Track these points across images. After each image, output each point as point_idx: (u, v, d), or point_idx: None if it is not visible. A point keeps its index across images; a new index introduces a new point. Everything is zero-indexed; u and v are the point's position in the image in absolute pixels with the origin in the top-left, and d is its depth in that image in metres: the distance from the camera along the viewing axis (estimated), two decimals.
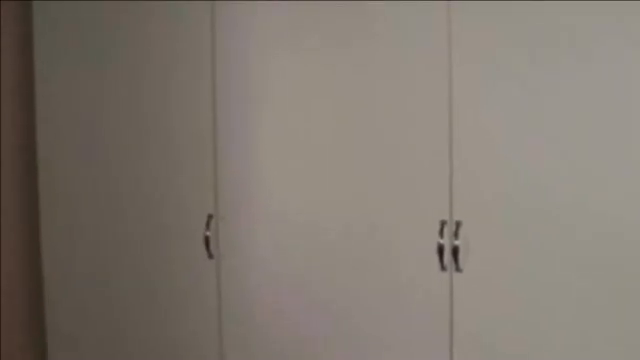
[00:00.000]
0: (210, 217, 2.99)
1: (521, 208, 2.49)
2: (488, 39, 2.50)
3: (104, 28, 3.12)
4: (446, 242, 2.58)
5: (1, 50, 3.29)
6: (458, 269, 2.57)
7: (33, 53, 3.25)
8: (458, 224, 2.56)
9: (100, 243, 3.22)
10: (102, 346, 3.25)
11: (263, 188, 2.92)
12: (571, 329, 2.43)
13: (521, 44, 2.46)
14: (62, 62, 3.20)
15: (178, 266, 3.08)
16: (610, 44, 2.34)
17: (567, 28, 2.40)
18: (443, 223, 2.58)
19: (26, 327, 3.41)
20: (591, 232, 2.39)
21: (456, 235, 2.56)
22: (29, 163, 3.36)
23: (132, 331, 3.20)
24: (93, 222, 3.21)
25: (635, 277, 2.34)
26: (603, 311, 2.38)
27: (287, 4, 2.81)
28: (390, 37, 2.65)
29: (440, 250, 2.58)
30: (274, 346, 2.92)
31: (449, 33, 2.56)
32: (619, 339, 2.36)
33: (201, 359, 3.07)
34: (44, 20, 3.20)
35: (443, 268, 2.58)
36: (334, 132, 2.78)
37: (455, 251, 2.56)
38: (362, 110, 2.73)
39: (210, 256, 2.99)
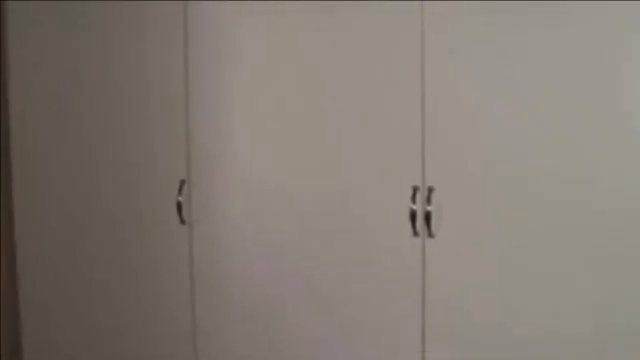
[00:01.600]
0: (182, 183, 2.98)
1: (493, 174, 2.49)
2: (459, 6, 2.48)
3: None
4: (418, 208, 2.58)
5: None
6: (430, 235, 2.57)
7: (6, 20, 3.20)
8: (430, 190, 2.56)
9: (72, 208, 3.20)
10: (74, 312, 3.25)
11: (235, 154, 2.91)
12: (542, 294, 2.44)
13: (491, 11, 2.43)
14: (34, 27, 3.16)
15: (150, 232, 3.07)
16: (579, 8, 2.33)
17: None
18: (415, 189, 2.58)
19: None
20: (562, 198, 2.40)
21: (428, 201, 2.56)
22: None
23: (104, 296, 3.19)
24: (65, 187, 3.19)
25: (605, 243, 2.34)
26: (574, 277, 2.40)
27: None
28: (363, 4, 2.62)
29: (412, 216, 2.58)
30: (246, 311, 2.93)
31: (421, 2, 2.53)
32: (590, 304, 2.38)
33: (173, 323, 3.07)
34: None
35: (415, 234, 2.58)
36: (307, 98, 2.76)
37: (427, 217, 2.56)
38: (334, 76, 2.71)
39: (182, 222, 2.98)
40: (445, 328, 2.59)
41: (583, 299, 2.38)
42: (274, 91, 2.81)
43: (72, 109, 3.16)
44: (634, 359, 2.32)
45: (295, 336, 2.84)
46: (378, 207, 2.66)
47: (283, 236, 2.83)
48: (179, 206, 2.97)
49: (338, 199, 2.73)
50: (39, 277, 3.27)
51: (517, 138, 2.45)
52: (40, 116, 3.19)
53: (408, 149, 2.59)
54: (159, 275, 3.08)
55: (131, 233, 3.11)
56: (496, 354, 2.51)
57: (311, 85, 2.75)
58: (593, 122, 2.35)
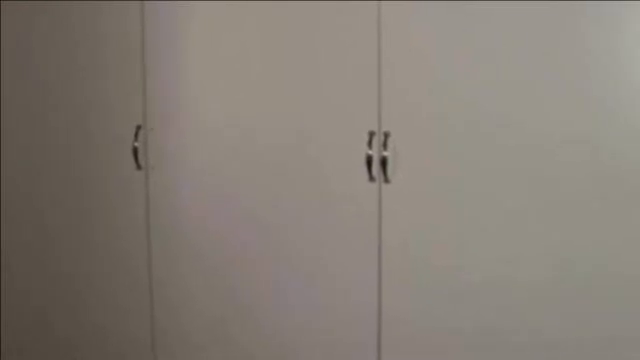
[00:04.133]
0: (139, 128, 2.95)
1: (449, 119, 2.48)
2: None
3: None
4: (375, 153, 2.57)
5: None
6: (387, 180, 2.56)
7: None
8: (386, 135, 2.55)
9: (29, 153, 3.18)
10: (31, 256, 3.25)
11: (192, 100, 2.89)
12: (498, 240, 2.45)
13: None
14: None
15: (107, 177, 3.06)
16: None
17: None
18: (372, 134, 2.57)
19: None
20: (518, 144, 2.39)
21: (385, 146, 2.55)
22: None
23: (60, 241, 3.20)
24: (21, 131, 3.17)
25: (561, 189, 2.35)
26: (530, 223, 2.40)
27: None
28: None
29: (369, 161, 2.57)
30: (202, 257, 2.93)
31: None
32: (546, 250, 2.38)
33: (129, 269, 3.07)
34: None
35: (372, 179, 2.58)
36: (264, 44, 2.74)
37: (384, 162, 2.55)
38: (292, 23, 2.68)
39: (138, 167, 2.96)
40: (401, 273, 2.59)
41: (540, 245, 2.39)
42: (231, 37, 2.78)
43: (28, 53, 3.11)
44: (590, 305, 2.34)
45: (251, 282, 2.84)
46: (335, 153, 2.65)
47: (239, 182, 2.82)
48: (135, 152, 2.95)
49: (294, 145, 2.71)
50: None
51: (473, 84, 2.43)
52: None
53: (364, 95, 2.58)
54: (115, 220, 3.08)
55: (87, 178, 3.10)
56: (452, 299, 2.52)
57: (268, 31, 2.72)
58: (549, 69, 2.34)
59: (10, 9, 3.15)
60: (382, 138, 2.55)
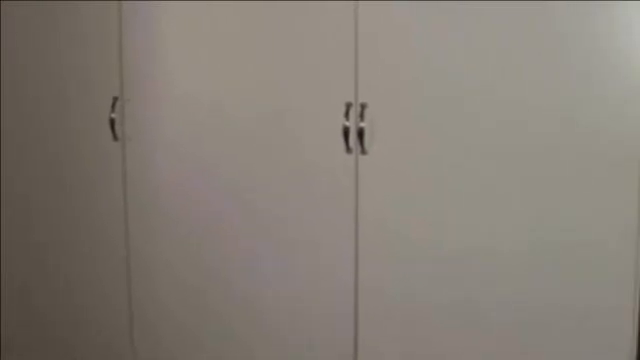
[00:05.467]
0: (115, 99, 2.93)
1: (427, 91, 2.49)
2: None
3: None
4: (351, 124, 2.57)
5: None
6: (363, 151, 2.57)
7: None
8: (363, 106, 2.55)
9: (5, 124, 3.15)
10: (8, 226, 3.22)
11: (169, 71, 2.87)
12: (475, 212, 2.46)
13: None
14: None
15: (83, 148, 3.05)
16: None
17: None
18: (349, 105, 2.57)
19: None
20: (494, 116, 2.40)
21: (362, 117, 2.55)
22: None
23: (38, 211, 3.19)
24: None
25: (539, 162, 2.36)
26: (507, 195, 2.41)
27: None
28: None
29: (345, 132, 2.57)
30: (179, 229, 2.93)
31: None
32: (523, 223, 2.40)
33: (106, 239, 3.08)
34: None
35: (348, 150, 2.58)
36: (241, 15, 2.72)
37: (360, 133, 2.55)
38: None
39: (115, 138, 2.95)
40: (378, 244, 2.60)
41: (517, 216, 2.40)
42: (209, 8, 2.76)
43: (5, 27, 3.08)
44: (566, 277, 2.36)
45: (228, 253, 2.85)
46: (312, 124, 2.65)
47: (217, 154, 2.82)
48: (112, 123, 2.93)
49: (271, 116, 2.71)
50: None
51: (450, 56, 2.43)
52: None
53: (341, 66, 2.57)
54: (92, 191, 3.07)
55: (64, 150, 3.09)
56: (428, 270, 2.53)
57: (245, 2, 2.70)
58: (527, 42, 2.34)
59: None
60: (359, 109, 2.55)
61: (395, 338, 2.61)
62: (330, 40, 2.58)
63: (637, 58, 2.23)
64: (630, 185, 2.27)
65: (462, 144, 2.45)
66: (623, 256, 2.30)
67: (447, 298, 2.51)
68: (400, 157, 2.54)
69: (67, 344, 3.24)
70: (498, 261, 2.44)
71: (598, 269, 2.33)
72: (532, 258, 2.40)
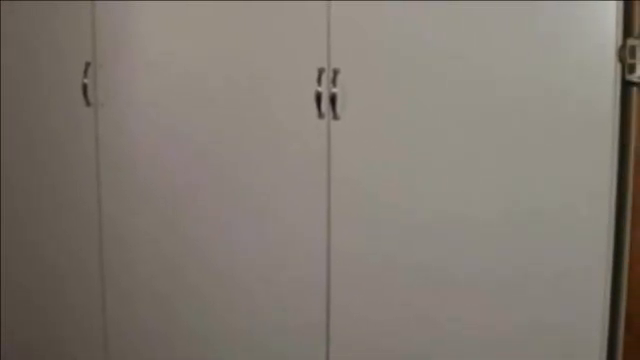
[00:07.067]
0: (88, 65, 2.91)
1: (398, 56, 2.48)
2: None
3: None
4: (324, 90, 2.56)
5: None
6: (336, 117, 2.56)
7: None
8: (336, 72, 2.54)
9: None
10: None
11: (142, 36, 2.86)
12: (448, 176, 2.46)
13: None
14: None
15: (55, 114, 3.04)
16: None
17: None
18: (321, 71, 2.56)
19: None
20: (467, 81, 2.40)
21: (334, 83, 2.54)
22: None
23: (9, 177, 3.19)
24: None
25: (512, 126, 2.36)
26: (480, 158, 2.42)
27: None
28: None
29: (318, 98, 2.56)
30: (151, 194, 2.93)
31: None
32: (496, 188, 2.40)
33: (79, 205, 3.07)
34: None
35: (321, 116, 2.58)
36: None
37: (333, 99, 2.55)
38: None
39: (88, 104, 2.94)
40: (350, 209, 2.61)
41: (490, 181, 2.41)
42: None
43: None
44: (537, 241, 2.37)
45: (201, 218, 2.85)
46: (284, 89, 2.64)
47: (189, 119, 2.81)
48: (84, 88, 2.92)
49: (244, 82, 2.71)
50: None
51: (423, 20, 2.43)
52: None
53: (313, 31, 2.56)
54: (64, 157, 3.06)
55: (36, 115, 3.08)
56: (401, 235, 2.54)
57: None
58: (498, 7, 2.34)
59: None
60: (331, 75, 2.54)
61: (368, 303, 2.62)
62: (302, 5, 2.56)
63: (606, 19, 2.22)
64: (601, 148, 2.28)
65: (434, 109, 2.45)
66: (594, 220, 2.31)
67: (419, 262, 2.52)
68: (372, 122, 2.54)
69: (38, 309, 3.23)
70: (470, 225, 2.45)
71: (569, 233, 2.33)
72: (503, 222, 2.41)
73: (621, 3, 2.21)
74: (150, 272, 2.97)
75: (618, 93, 2.26)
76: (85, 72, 2.92)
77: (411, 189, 2.51)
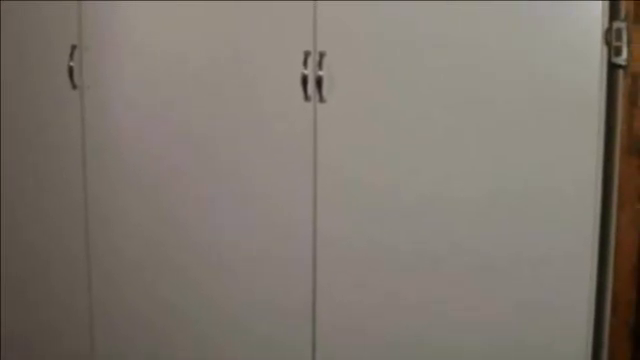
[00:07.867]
0: (74, 47, 2.90)
1: (384, 39, 2.48)
2: None
3: None
4: (310, 72, 2.55)
5: None
6: (322, 99, 2.56)
7: None
8: (322, 55, 2.54)
9: None
10: None
11: (129, 19, 2.84)
12: (433, 159, 2.46)
13: None
14: None
15: (41, 97, 3.02)
16: None
17: None
18: (307, 54, 2.55)
19: None
20: (453, 64, 2.40)
21: (320, 66, 2.53)
22: None
23: None
24: None
25: (495, 108, 2.37)
26: (465, 141, 2.42)
27: None
28: None
29: (304, 81, 2.56)
30: (136, 175, 2.92)
31: None
32: (480, 168, 2.41)
33: (64, 187, 3.06)
34: None
35: (307, 98, 2.57)
36: None
37: (319, 82, 2.54)
38: None
39: (74, 87, 2.93)
40: (336, 192, 2.61)
41: (475, 164, 2.41)
42: None
43: None
44: (523, 224, 2.37)
45: (186, 200, 2.84)
46: (270, 72, 2.63)
47: (174, 102, 2.80)
48: (70, 71, 2.90)
49: (230, 64, 2.69)
50: None
51: (409, 4, 2.42)
52: None
53: (300, 14, 2.55)
54: (50, 140, 3.05)
55: (22, 98, 3.06)
56: (387, 218, 2.54)
57: None
58: None
59: None
60: (317, 58, 2.54)
61: (354, 285, 2.62)
62: None
63: (592, 2, 2.22)
64: (587, 130, 2.28)
65: (420, 92, 2.45)
66: (580, 202, 2.31)
67: (404, 245, 2.53)
68: (358, 105, 2.53)
69: (24, 290, 3.23)
70: (456, 208, 2.45)
71: (555, 216, 2.34)
72: (489, 205, 2.41)
73: None
74: (135, 253, 2.96)
75: (604, 76, 2.25)
76: (71, 55, 2.90)
77: (397, 172, 2.51)
